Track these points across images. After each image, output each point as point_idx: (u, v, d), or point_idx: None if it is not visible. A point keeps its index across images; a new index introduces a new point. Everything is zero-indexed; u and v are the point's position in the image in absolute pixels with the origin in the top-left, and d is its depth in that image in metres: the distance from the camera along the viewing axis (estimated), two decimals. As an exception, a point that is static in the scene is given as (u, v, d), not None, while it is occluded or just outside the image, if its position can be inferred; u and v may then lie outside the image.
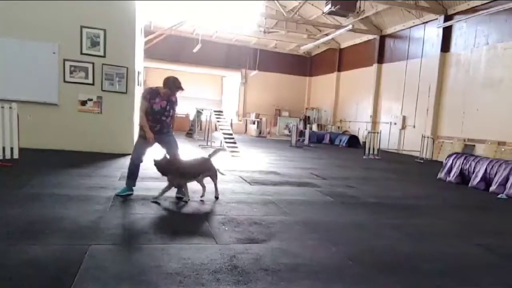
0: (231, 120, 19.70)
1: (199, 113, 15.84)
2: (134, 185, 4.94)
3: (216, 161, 5.34)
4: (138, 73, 9.98)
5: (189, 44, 21.27)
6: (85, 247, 3.03)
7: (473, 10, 12.68)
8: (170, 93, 4.80)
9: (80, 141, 8.50)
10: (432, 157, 13.37)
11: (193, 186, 5.04)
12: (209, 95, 24.94)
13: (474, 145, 12.39)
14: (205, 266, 2.86)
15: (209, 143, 12.40)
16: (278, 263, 3.03)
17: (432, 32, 14.62)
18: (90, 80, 8.55)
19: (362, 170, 9.64)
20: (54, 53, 8.30)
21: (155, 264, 2.83)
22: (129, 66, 8.78)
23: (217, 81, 25.26)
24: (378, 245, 3.75)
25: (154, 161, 4.70)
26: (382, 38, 17.96)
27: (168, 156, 4.82)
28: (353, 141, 18.05)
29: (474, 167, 7.97)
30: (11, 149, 6.86)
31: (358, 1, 14.21)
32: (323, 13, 14.39)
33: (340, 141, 18.21)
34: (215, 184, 5.14)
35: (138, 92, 10.34)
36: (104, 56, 8.57)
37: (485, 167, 7.68)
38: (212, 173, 5.10)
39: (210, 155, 5.20)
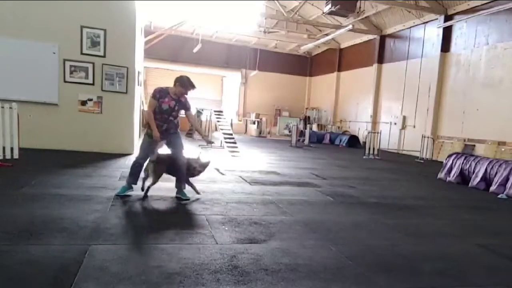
0: (231, 120, 19.70)
1: (199, 113, 15.86)
2: (135, 183, 4.93)
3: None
4: (138, 73, 9.99)
5: (189, 44, 21.26)
6: (85, 247, 3.03)
7: (473, 10, 12.68)
8: (183, 91, 4.79)
9: (80, 141, 8.50)
10: (432, 157, 13.37)
11: (189, 186, 5.03)
12: (209, 95, 24.89)
13: (474, 145, 12.39)
14: (205, 266, 2.86)
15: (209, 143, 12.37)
16: (278, 263, 3.03)
17: (432, 32, 14.62)
18: (90, 80, 8.55)
19: (362, 170, 9.64)
20: (54, 53, 8.30)
21: (155, 264, 2.83)
22: (129, 66, 8.78)
23: (217, 81, 25.23)
24: (378, 245, 3.75)
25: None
26: (382, 38, 17.96)
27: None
28: (353, 141, 18.06)
29: (474, 167, 7.97)
30: (11, 149, 6.86)
31: (358, 1, 14.20)
32: (323, 13, 14.38)
33: (340, 141, 18.21)
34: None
35: (138, 92, 10.35)
36: (104, 56, 8.57)
37: (485, 167, 7.68)
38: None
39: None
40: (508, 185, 7.03)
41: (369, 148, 12.98)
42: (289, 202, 5.26)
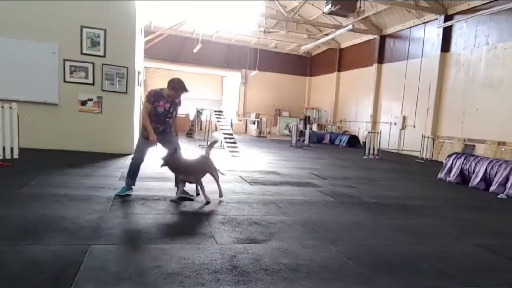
0: (231, 120, 19.69)
1: (199, 113, 15.84)
2: (134, 184, 4.96)
3: (215, 157, 5.31)
4: (138, 73, 9.99)
5: (189, 44, 21.27)
6: (85, 247, 3.03)
7: (473, 10, 12.68)
8: (175, 94, 4.80)
9: (80, 141, 8.50)
10: (432, 157, 13.37)
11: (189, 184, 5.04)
12: (209, 95, 24.91)
13: (474, 145, 12.39)
14: (205, 266, 2.86)
15: (209, 143, 12.38)
16: (278, 263, 3.03)
17: (432, 32, 14.62)
18: (90, 80, 8.55)
19: (362, 170, 9.63)
20: (54, 53, 8.30)
21: (155, 264, 2.83)
22: (129, 66, 8.78)
23: (217, 81, 25.24)
24: (378, 245, 3.75)
25: (162, 159, 4.71)
26: (382, 38, 17.96)
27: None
28: (353, 141, 18.05)
29: (474, 167, 7.97)
30: (11, 149, 6.87)
31: (358, 1, 14.21)
32: (323, 13, 14.39)
33: (340, 141, 18.21)
34: (217, 182, 5.10)
35: (138, 92, 10.35)
36: (104, 56, 8.58)
37: (485, 167, 7.68)
38: (212, 170, 5.08)
39: (207, 152, 5.16)
40: (508, 185, 7.03)
41: (369, 148, 12.98)
42: (289, 202, 5.26)
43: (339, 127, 21.46)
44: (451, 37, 13.84)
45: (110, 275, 2.60)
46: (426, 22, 15.06)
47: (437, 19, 14.25)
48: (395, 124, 16.63)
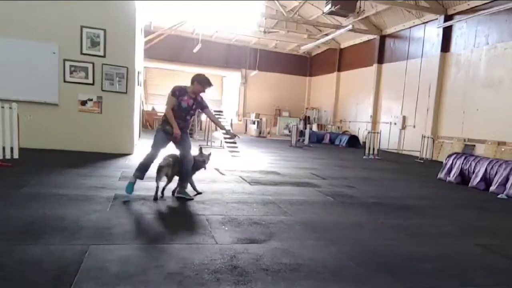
0: (231, 120, 19.68)
1: (199, 113, 15.81)
2: (142, 178, 4.87)
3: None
4: (138, 73, 9.99)
5: (189, 44, 21.28)
6: (85, 247, 3.03)
7: (473, 10, 12.68)
8: (201, 89, 4.84)
9: (80, 141, 8.50)
10: (432, 157, 13.37)
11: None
12: (209, 95, 24.87)
13: (474, 145, 12.39)
14: (205, 266, 2.86)
15: (209, 143, 12.40)
16: (278, 263, 3.03)
17: (432, 32, 14.62)
18: (90, 80, 8.54)
19: (362, 170, 9.63)
20: (54, 53, 8.29)
21: (155, 264, 2.83)
22: (129, 66, 8.78)
23: (217, 81, 25.22)
24: (378, 245, 3.75)
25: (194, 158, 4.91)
26: (382, 38, 17.96)
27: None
28: (353, 141, 18.06)
29: (474, 167, 7.97)
30: (11, 149, 6.86)
31: (358, 1, 14.22)
32: (323, 13, 14.39)
33: (340, 141, 18.21)
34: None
35: (138, 92, 10.35)
36: (104, 56, 8.57)
37: (485, 167, 7.68)
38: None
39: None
40: (508, 185, 7.03)
41: (369, 148, 12.98)
42: (289, 202, 5.26)
43: (339, 127, 21.47)
44: (451, 37, 13.85)
45: (110, 275, 2.60)
46: (426, 22, 15.07)
47: (437, 19, 14.26)
48: (395, 124, 16.64)
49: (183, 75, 23.60)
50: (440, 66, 14.04)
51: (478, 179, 7.72)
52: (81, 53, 8.44)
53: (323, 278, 2.83)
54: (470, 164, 8.10)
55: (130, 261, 2.87)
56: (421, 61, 15.36)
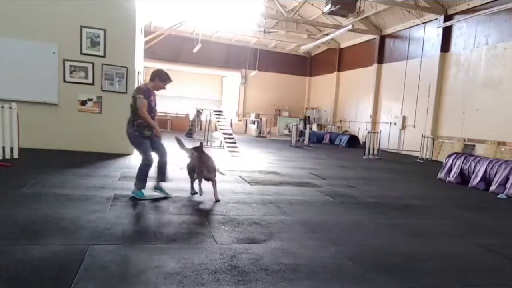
0: (231, 120, 19.70)
1: (199, 113, 15.85)
2: (144, 188, 4.82)
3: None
4: (138, 73, 9.98)
5: (189, 44, 21.27)
6: (85, 247, 3.03)
7: (473, 10, 12.69)
8: (162, 85, 4.77)
9: (80, 141, 8.50)
10: (432, 157, 13.37)
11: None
12: (209, 95, 24.93)
13: (474, 145, 12.39)
14: (205, 266, 2.86)
15: (209, 143, 12.40)
16: (278, 263, 3.03)
17: (432, 32, 14.62)
18: (90, 80, 8.55)
19: (362, 170, 9.64)
20: (54, 53, 8.30)
21: (155, 264, 2.83)
22: (129, 66, 8.78)
23: (217, 81, 25.26)
24: (378, 245, 3.75)
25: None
26: (382, 38, 17.96)
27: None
28: (353, 141, 18.06)
29: (474, 167, 7.97)
30: (11, 149, 6.86)
31: (358, 1, 14.21)
32: (323, 13, 14.39)
33: (340, 141, 18.21)
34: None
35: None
36: (104, 56, 8.57)
37: (485, 167, 7.68)
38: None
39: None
40: (508, 185, 7.03)
41: (369, 148, 12.98)
42: (289, 202, 5.26)
43: (339, 127, 21.47)
44: (451, 37, 13.85)
45: (110, 275, 2.60)
46: (426, 22, 15.07)
47: (437, 19, 14.26)
48: (395, 124, 16.63)
49: (183, 75, 23.70)
50: (440, 66, 14.04)
51: (478, 179, 7.72)
52: (81, 53, 8.45)
53: (323, 278, 2.83)
54: (470, 164, 8.10)
55: (130, 261, 2.87)
56: (421, 61, 15.36)
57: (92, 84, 8.57)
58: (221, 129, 12.20)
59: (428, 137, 13.28)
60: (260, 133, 20.78)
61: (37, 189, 4.88)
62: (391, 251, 3.57)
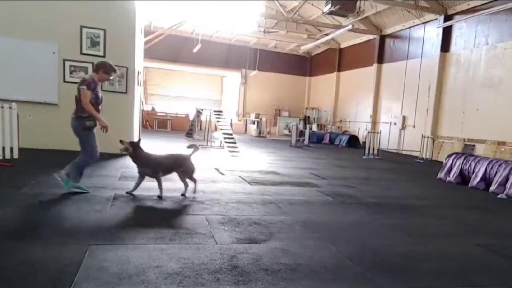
0: (231, 120, 19.69)
1: (199, 113, 15.84)
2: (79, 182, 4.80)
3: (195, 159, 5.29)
4: (138, 73, 9.98)
5: (189, 44, 21.26)
6: (85, 247, 3.03)
7: (473, 10, 12.68)
8: (107, 77, 4.80)
9: (80, 141, 8.48)
10: (432, 157, 13.37)
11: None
12: (209, 95, 24.92)
13: (474, 145, 12.39)
14: (205, 266, 2.86)
15: (209, 143, 12.40)
16: (278, 263, 3.03)
17: (432, 32, 14.62)
18: (90, 80, 8.53)
19: (362, 170, 9.64)
20: (54, 53, 8.30)
21: (155, 264, 2.83)
22: (129, 66, 8.78)
23: (217, 81, 25.25)
24: (378, 245, 3.75)
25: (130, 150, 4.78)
26: (382, 38, 17.96)
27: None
28: (353, 141, 18.05)
29: (474, 167, 7.97)
30: (11, 149, 6.87)
31: (358, 1, 14.21)
32: (323, 13, 14.38)
33: (340, 141, 18.21)
34: (185, 182, 5.09)
35: (138, 92, 10.33)
36: (104, 56, 8.56)
37: (485, 167, 7.68)
38: (185, 170, 5.05)
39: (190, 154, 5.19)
40: (508, 185, 7.03)
41: (369, 148, 12.97)
42: (289, 202, 5.26)
43: (339, 127, 21.47)
44: (451, 37, 13.84)
45: (110, 275, 2.60)
46: (426, 22, 15.07)
47: (437, 19, 14.25)
48: (395, 124, 16.64)
49: (183, 75, 23.71)
50: (440, 66, 14.04)
51: (478, 179, 7.73)
52: (81, 53, 8.45)
53: (323, 278, 2.83)
54: (470, 164, 8.11)
55: (130, 261, 2.87)
56: (421, 61, 15.36)
57: (92, 84, 8.56)
58: (221, 129, 12.20)
59: (428, 137, 13.28)
60: (260, 133, 20.78)
61: (37, 189, 4.89)
62: (391, 251, 3.57)
